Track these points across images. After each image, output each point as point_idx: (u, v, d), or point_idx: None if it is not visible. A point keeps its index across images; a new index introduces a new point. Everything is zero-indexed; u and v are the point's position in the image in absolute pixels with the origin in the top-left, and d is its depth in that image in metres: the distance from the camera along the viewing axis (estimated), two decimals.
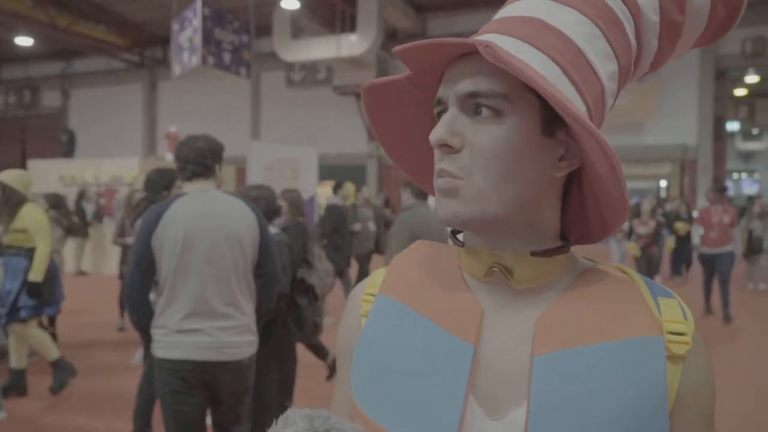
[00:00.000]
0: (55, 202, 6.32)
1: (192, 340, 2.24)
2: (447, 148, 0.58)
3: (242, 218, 2.36)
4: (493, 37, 0.60)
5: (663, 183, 24.79)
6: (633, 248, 7.80)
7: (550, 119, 0.59)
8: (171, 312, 2.25)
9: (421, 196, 4.00)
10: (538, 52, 0.58)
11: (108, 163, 12.28)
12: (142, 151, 20.34)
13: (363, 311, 0.70)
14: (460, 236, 0.70)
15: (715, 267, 7.22)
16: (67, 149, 14.21)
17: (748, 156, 30.37)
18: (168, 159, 13.20)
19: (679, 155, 15.53)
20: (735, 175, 29.94)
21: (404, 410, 0.60)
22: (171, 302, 2.26)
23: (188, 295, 2.25)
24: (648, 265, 7.80)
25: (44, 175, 12.44)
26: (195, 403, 2.29)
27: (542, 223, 0.63)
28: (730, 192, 25.26)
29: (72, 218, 6.42)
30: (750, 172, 30.57)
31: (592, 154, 0.57)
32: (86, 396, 4.40)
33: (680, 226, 9.75)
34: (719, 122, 15.56)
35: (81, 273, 11.16)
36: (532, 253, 0.62)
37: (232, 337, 2.30)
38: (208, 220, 2.29)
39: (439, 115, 0.63)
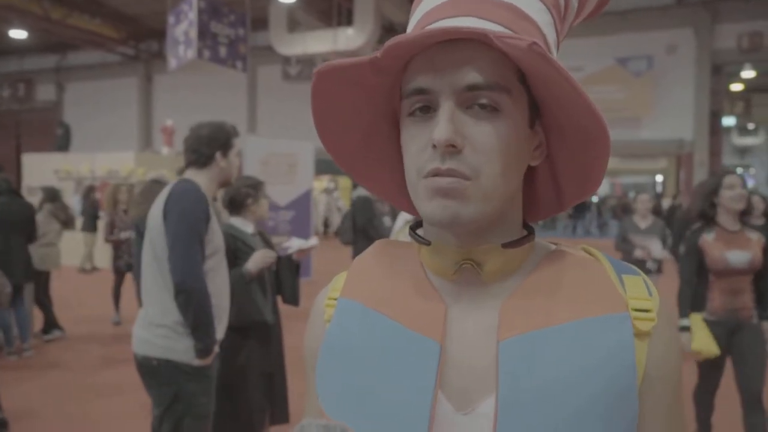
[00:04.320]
0: (51, 195, 6.30)
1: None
2: (452, 148, 0.54)
3: (156, 206, 2.27)
4: (476, 22, 0.57)
5: (659, 178, 24.87)
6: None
7: (532, 110, 0.60)
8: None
9: None
10: None
11: (103, 157, 12.23)
12: (138, 145, 20.25)
13: (326, 316, 0.69)
14: (420, 231, 0.68)
15: None
16: (62, 143, 14.15)
17: (744, 151, 30.49)
18: (164, 153, 13.18)
19: (675, 150, 15.56)
20: None
21: (373, 413, 0.59)
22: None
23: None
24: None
25: (39, 169, 12.40)
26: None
27: (513, 213, 0.64)
28: None
29: (68, 212, 6.39)
30: (746, 167, 30.68)
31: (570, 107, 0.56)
32: (82, 388, 4.40)
33: None
34: (715, 117, 15.58)
35: (94, 269, 10.87)
36: (504, 245, 0.61)
37: (136, 328, 2.28)
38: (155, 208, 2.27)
39: (422, 107, 0.58)
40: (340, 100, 0.62)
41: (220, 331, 2.31)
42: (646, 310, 0.59)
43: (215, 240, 2.27)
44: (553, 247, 0.66)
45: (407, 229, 0.76)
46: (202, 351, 2.16)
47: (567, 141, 0.61)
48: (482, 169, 0.55)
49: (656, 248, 4.85)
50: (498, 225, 0.62)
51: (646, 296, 0.60)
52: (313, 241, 3.02)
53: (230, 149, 2.34)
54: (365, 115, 0.65)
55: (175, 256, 2.12)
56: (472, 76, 0.55)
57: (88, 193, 10.40)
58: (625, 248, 4.98)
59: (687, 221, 4.84)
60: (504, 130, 0.56)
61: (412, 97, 0.58)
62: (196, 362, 2.17)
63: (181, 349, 2.17)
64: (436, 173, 0.55)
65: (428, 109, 0.58)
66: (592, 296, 0.59)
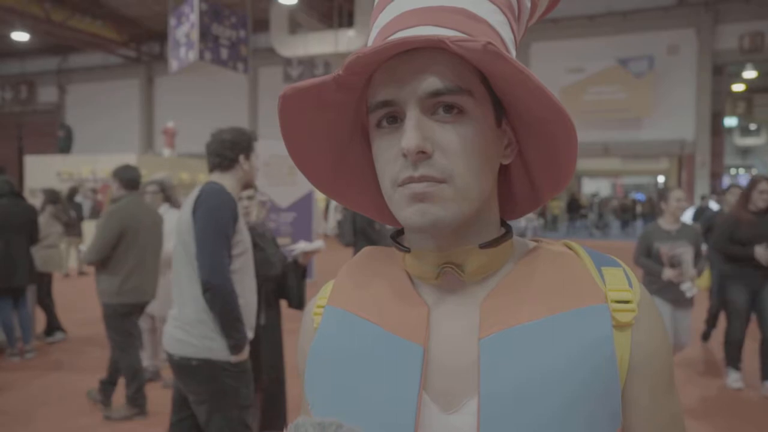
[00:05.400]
0: (53, 197, 6.31)
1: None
2: (422, 154, 0.56)
3: (186, 207, 2.33)
4: (432, 30, 0.57)
5: (661, 178, 24.87)
6: None
7: (498, 109, 0.61)
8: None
9: (132, 187, 3.87)
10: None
11: (105, 158, 12.25)
12: (140, 146, 20.29)
13: (315, 324, 0.70)
14: (401, 239, 0.69)
15: None
16: (64, 145, 14.18)
17: (745, 151, 30.46)
18: (165, 155, 13.20)
19: (677, 151, 15.55)
20: (732, 171, 30.01)
21: (360, 419, 0.60)
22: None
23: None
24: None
25: (41, 171, 12.43)
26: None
27: (489, 213, 0.64)
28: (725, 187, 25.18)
29: (70, 214, 6.40)
30: (747, 168, 30.63)
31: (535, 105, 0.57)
32: (84, 390, 4.41)
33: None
34: (717, 118, 15.57)
35: (81, 273, 10.93)
36: (481, 246, 0.62)
37: (168, 328, 2.31)
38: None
39: (389, 118, 0.59)
40: (310, 121, 0.63)
41: (248, 330, 2.36)
42: (626, 302, 0.60)
43: (244, 240, 2.33)
44: (533, 244, 0.67)
45: None
46: (234, 347, 2.21)
47: (535, 137, 0.62)
48: (454, 171, 0.56)
49: (688, 261, 3.82)
50: (475, 226, 0.63)
51: (626, 287, 0.61)
52: (318, 243, 3.01)
53: (251, 152, 2.44)
54: (335, 133, 0.66)
55: (202, 254, 2.19)
56: (433, 82, 0.56)
57: (71, 195, 10.01)
58: (647, 265, 3.93)
59: (730, 225, 4.20)
60: (471, 131, 0.57)
61: (378, 110, 0.59)
62: (233, 359, 2.22)
63: (219, 347, 2.22)
64: (410, 181, 0.57)
65: (395, 120, 0.59)
66: (569, 290, 0.60)
